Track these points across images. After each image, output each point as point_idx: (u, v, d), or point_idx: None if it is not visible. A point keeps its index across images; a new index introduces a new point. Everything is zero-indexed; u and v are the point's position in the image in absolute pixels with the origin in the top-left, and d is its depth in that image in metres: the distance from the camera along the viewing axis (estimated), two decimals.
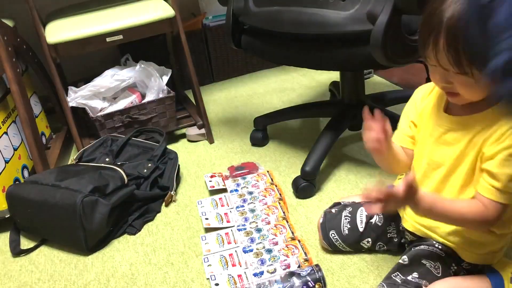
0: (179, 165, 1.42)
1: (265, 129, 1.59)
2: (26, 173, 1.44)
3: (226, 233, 1.17)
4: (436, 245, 0.90)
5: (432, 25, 0.72)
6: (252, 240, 1.12)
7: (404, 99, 1.00)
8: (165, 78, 1.63)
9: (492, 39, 0.66)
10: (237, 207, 1.25)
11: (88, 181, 1.19)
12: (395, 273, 0.87)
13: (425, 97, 0.91)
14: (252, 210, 1.22)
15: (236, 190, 1.31)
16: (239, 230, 1.16)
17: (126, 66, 1.70)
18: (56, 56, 1.47)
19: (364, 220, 1.03)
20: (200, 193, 1.37)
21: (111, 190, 1.20)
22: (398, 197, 0.75)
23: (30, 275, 1.15)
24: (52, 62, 1.47)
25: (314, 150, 1.29)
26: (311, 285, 0.94)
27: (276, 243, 1.10)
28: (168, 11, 1.52)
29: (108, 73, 1.62)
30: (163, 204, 1.33)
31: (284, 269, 1.01)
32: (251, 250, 1.09)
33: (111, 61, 1.75)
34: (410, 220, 0.95)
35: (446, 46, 0.71)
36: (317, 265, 0.97)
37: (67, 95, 1.56)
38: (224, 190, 1.34)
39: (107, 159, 1.38)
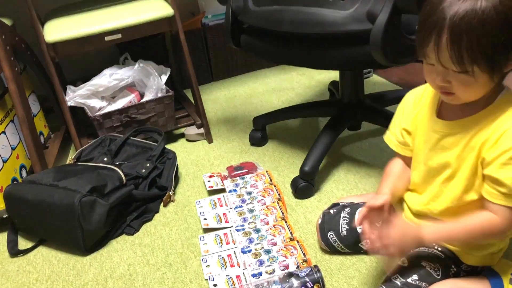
0: (177, 165, 1.42)
1: (264, 128, 1.58)
2: (24, 173, 1.44)
3: (225, 234, 1.17)
4: (436, 247, 0.90)
5: (434, 22, 0.72)
6: (251, 241, 1.11)
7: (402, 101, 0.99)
8: (164, 77, 1.63)
9: None
10: (236, 207, 1.24)
11: (86, 181, 1.18)
12: (395, 276, 0.86)
13: (418, 102, 0.91)
14: (251, 211, 1.22)
15: (235, 190, 1.31)
16: (237, 230, 1.16)
17: (124, 65, 1.69)
18: (54, 55, 1.46)
19: None
20: (198, 193, 1.37)
21: (109, 190, 1.20)
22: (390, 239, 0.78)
23: (28, 275, 1.15)
24: (51, 61, 1.47)
25: (313, 150, 1.28)
26: (310, 286, 0.93)
27: (274, 244, 1.09)
28: (167, 10, 1.51)
29: (107, 72, 1.61)
30: (162, 204, 1.33)
31: (282, 270, 1.01)
32: (250, 251, 1.08)
33: (110, 60, 1.75)
34: (409, 222, 0.95)
35: (450, 43, 0.70)
36: (316, 266, 0.97)
37: (65, 94, 1.56)
38: (222, 190, 1.34)
39: (105, 159, 1.38)
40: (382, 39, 1.02)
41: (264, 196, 1.27)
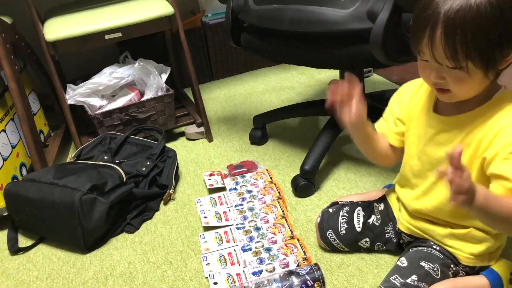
0: (178, 163, 1.42)
1: (264, 127, 1.58)
2: (24, 171, 1.44)
3: (225, 232, 1.17)
4: (434, 246, 0.90)
5: (428, 17, 0.71)
6: (251, 239, 1.12)
7: (396, 92, 0.99)
8: (164, 76, 1.63)
9: None
10: (236, 205, 1.24)
11: (86, 179, 1.18)
12: (394, 276, 0.87)
13: (414, 95, 0.91)
14: (251, 209, 1.22)
15: (235, 189, 1.31)
16: (238, 228, 1.16)
17: (125, 63, 1.69)
18: (54, 53, 1.46)
19: (362, 220, 1.03)
20: (199, 191, 1.37)
21: (110, 188, 1.20)
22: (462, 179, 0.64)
23: (28, 273, 1.15)
24: (51, 59, 1.47)
25: (313, 149, 1.28)
26: (310, 284, 0.94)
27: (275, 242, 1.10)
28: (167, 9, 1.51)
29: (107, 70, 1.61)
30: (162, 202, 1.33)
31: (283, 268, 1.01)
32: (250, 249, 1.08)
33: (110, 59, 1.74)
34: (405, 223, 0.95)
35: (444, 38, 0.70)
36: (316, 264, 0.97)
37: (65, 93, 1.56)
38: (223, 189, 1.34)
39: (105, 157, 1.38)
40: (383, 38, 1.02)
41: (264, 195, 1.27)
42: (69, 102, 1.55)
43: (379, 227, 1.02)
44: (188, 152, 1.59)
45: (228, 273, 1.03)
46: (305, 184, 1.26)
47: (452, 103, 0.80)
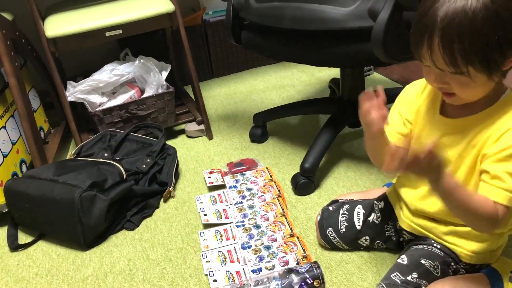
0: (178, 161, 1.42)
1: (264, 125, 1.58)
2: (24, 168, 1.44)
3: (225, 230, 1.17)
4: (435, 244, 0.90)
5: (426, 25, 0.71)
6: (251, 237, 1.12)
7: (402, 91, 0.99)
8: (164, 74, 1.62)
9: None
10: (236, 203, 1.24)
11: (86, 176, 1.18)
12: (394, 273, 0.87)
13: (419, 95, 0.90)
14: (251, 207, 1.22)
15: (235, 187, 1.31)
16: (237, 226, 1.16)
17: (125, 61, 1.69)
18: (55, 50, 1.46)
19: (362, 218, 1.03)
20: (198, 189, 1.37)
21: (110, 185, 1.20)
22: (421, 160, 0.67)
23: (28, 269, 1.15)
24: (51, 56, 1.46)
25: (313, 147, 1.28)
26: (310, 282, 0.94)
27: (274, 240, 1.10)
28: (168, 6, 1.51)
29: (107, 68, 1.61)
30: (162, 199, 1.33)
31: (282, 266, 1.01)
32: (250, 247, 1.08)
33: (110, 56, 1.74)
34: (407, 220, 0.95)
35: (441, 46, 0.70)
36: (315, 262, 0.97)
37: (66, 90, 1.55)
38: (223, 186, 1.34)
39: (105, 154, 1.38)
40: (384, 36, 1.02)
41: (264, 193, 1.27)
42: (69, 99, 1.54)
43: (379, 225, 1.02)
44: (188, 150, 1.59)
45: (228, 271, 1.03)
46: (305, 182, 1.26)
47: (458, 106, 0.80)
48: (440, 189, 0.73)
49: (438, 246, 0.90)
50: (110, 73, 1.59)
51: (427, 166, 0.69)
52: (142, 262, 1.12)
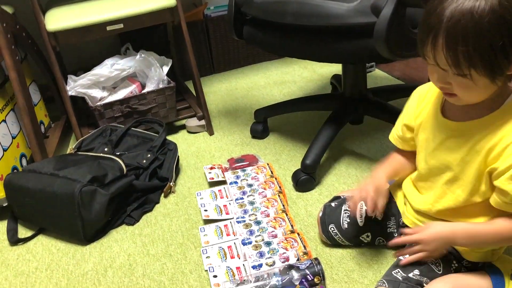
0: (178, 156, 1.42)
1: (265, 121, 1.58)
2: (24, 162, 1.43)
3: (225, 225, 1.16)
4: None
5: (431, 24, 0.71)
6: (251, 233, 1.11)
7: (406, 93, 1.00)
8: (166, 69, 1.62)
9: None
10: (237, 199, 1.24)
11: (86, 171, 1.18)
12: (396, 270, 0.86)
13: (422, 100, 0.90)
14: (252, 203, 1.22)
15: (236, 182, 1.31)
16: (238, 222, 1.16)
17: (126, 55, 1.69)
18: (55, 44, 1.45)
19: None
20: (199, 184, 1.37)
21: (110, 180, 1.19)
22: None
23: (28, 264, 1.15)
24: (52, 50, 1.46)
25: (314, 144, 1.28)
26: (310, 279, 0.93)
27: (275, 236, 1.09)
28: (169, 1, 1.50)
29: (108, 62, 1.60)
30: (162, 195, 1.33)
31: (283, 262, 1.01)
32: (250, 243, 1.08)
33: (111, 50, 1.74)
34: (410, 217, 0.95)
35: (445, 47, 0.69)
36: (316, 259, 0.97)
37: (66, 84, 1.55)
38: (223, 182, 1.33)
39: (106, 149, 1.37)
40: (387, 33, 1.01)
41: (265, 189, 1.26)
42: (70, 93, 1.54)
43: (381, 222, 1.01)
44: (189, 145, 1.59)
45: (228, 267, 1.03)
46: (306, 179, 1.26)
47: (461, 108, 0.79)
48: (464, 243, 0.81)
49: None
50: (111, 67, 1.58)
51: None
52: (142, 257, 1.12)
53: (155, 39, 1.93)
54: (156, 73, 1.59)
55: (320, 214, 1.07)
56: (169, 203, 1.30)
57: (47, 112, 1.74)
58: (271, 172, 1.34)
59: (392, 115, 1.03)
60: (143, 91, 1.58)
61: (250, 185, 1.29)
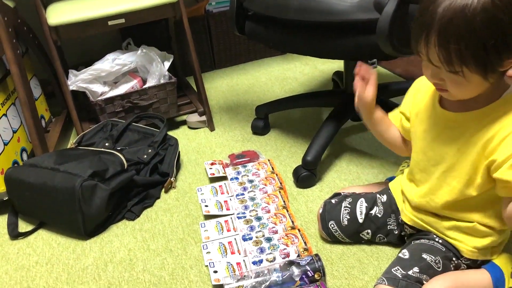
0: (179, 151, 1.41)
1: (266, 117, 1.57)
2: (25, 156, 1.43)
3: (226, 221, 1.16)
4: (436, 239, 0.90)
5: (425, 22, 0.71)
6: (252, 228, 1.11)
7: (407, 90, 0.99)
8: (167, 64, 1.61)
9: None
10: (237, 195, 1.24)
11: (87, 165, 1.18)
12: (396, 267, 0.86)
13: (419, 91, 0.91)
14: (252, 199, 1.22)
15: (237, 178, 1.30)
16: (238, 218, 1.16)
17: (127, 50, 1.68)
18: (57, 38, 1.45)
19: (364, 211, 1.02)
20: (200, 180, 1.37)
21: (111, 175, 1.19)
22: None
23: (28, 258, 1.15)
24: (53, 44, 1.45)
25: (315, 140, 1.28)
26: (310, 275, 0.93)
27: (275, 232, 1.09)
28: None
29: (109, 57, 1.60)
30: (163, 190, 1.33)
31: (283, 258, 1.01)
32: (251, 238, 1.08)
33: (113, 45, 1.73)
34: (409, 214, 0.95)
35: (438, 44, 0.70)
36: (316, 255, 0.97)
37: (67, 79, 1.55)
38: (224, 178, 1.33)
39: (106, 144, 1.37)
40: (389, 29, 1.01)
41: (265, 185, 1.26)
42: (71, 88, 1.54)
43: (381, 219, 1.01)
44: (190, 141, 1.59)
45: (228, 262, 1.03)
46: (307, 175, 1.26)
47: (458, 100, 0.80)
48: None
49: (440, 241, 0.89)
50: (112, 62, 1.58)
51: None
52: (142, 252, 1.12)
53: (157, 34, 1.92)
54: (157, 68, 1.59)
55: (320, 211, 1.07)
56: (169, 198, 1.30)
57: (48, 106, 1.74)
58: (272, 168, 1.34)
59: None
60: (144, 86, 1.58)
61: (251, 181, 1.28)
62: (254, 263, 1.01)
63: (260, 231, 1.10)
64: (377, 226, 1.02)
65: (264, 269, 0.96)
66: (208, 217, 1.20)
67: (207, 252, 1.08)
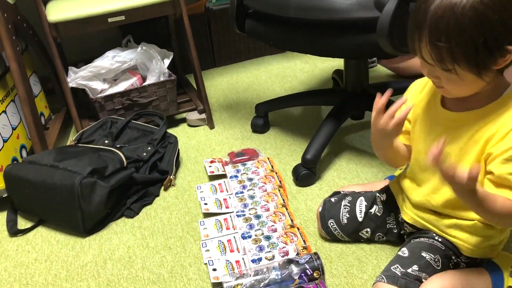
0: (178, 149, 1.41)
1: (266, 115, 1.57)
2: (24, 153, 1.43)
3: (225, 219, 1.16)
4: (436, 238, 0.90)
5: (418, 20, 0.72)
6: (251, 227, 1.11)
7: (407, 89, 0.99)
8: (167, 61, 1.61)
9: None
10: (237, 193, 1.24)
11: (87, 163, 1.18)
12: (395, 265, 0.86)
13: (419, 92, 0.91)
14: (252, 197, 1.22)
15: (236, 176, 1.30)
16: (238, 216, 1.16)
17: (127, 47, 1.68)
18: (56, 35, 1.45)
19: (363, 210, 1.02)
20: (199, 178, 1.37)
21: (110, 172, 1.19)
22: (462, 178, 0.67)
23: (27, 255, 1.15)
24: (53, 41, 1.45)
25: (315, 138, 1.28)
26: (309, 273, 0.93)
27: (275, 230, 1.09)
28: None
29: (109, 54, 1.60)
30: (162, 188, 1.33)
31: (282, 256, 1.01)
32: (250, 237, 1.08)
33: (112, 42, 1.73)
34: (409, 212, 0.95)
35: (429, 43, 0.71)
36: (315, 253, 0.97)
37: (67, 76, 1.54)
38: (223, 176, 1.33)
39: (106, 141, 1.37)
40: (389, 28, 1.00)
41: (265, 183, 1.26)
42: (71, 85, 1.53)
43: (380, 218, 1.01)
44: (189, 139, 1.59)
45: (228, 260, 1.03)
46: (306, 174, 1.26)
47: (460, 99, 0.80)
48: (475, 199, 0.72)
49: (440, 239, 0.89)
50: (112, 59, 1.58)
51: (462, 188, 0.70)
52: (141, 250, 1.12)
53: (157, 31, 1.92)
54: (157, 66, 1.59)
55: (320, 209, 1.07)
56: (169, 196, 1.30)
57: (48, 103, 1.73)
58: (272, 166, 1.33)
59: None
60: (144, 84, 1.57)
61: (250, 179, 1.28)
62: (253, 261, 1.01)
63: (259, 229, 1.10)
64: (376, 225, 1.02)
65: (263, 267, 0.96)
66: (207, 215, 1.20)
67: (206, 250, 1.08)
